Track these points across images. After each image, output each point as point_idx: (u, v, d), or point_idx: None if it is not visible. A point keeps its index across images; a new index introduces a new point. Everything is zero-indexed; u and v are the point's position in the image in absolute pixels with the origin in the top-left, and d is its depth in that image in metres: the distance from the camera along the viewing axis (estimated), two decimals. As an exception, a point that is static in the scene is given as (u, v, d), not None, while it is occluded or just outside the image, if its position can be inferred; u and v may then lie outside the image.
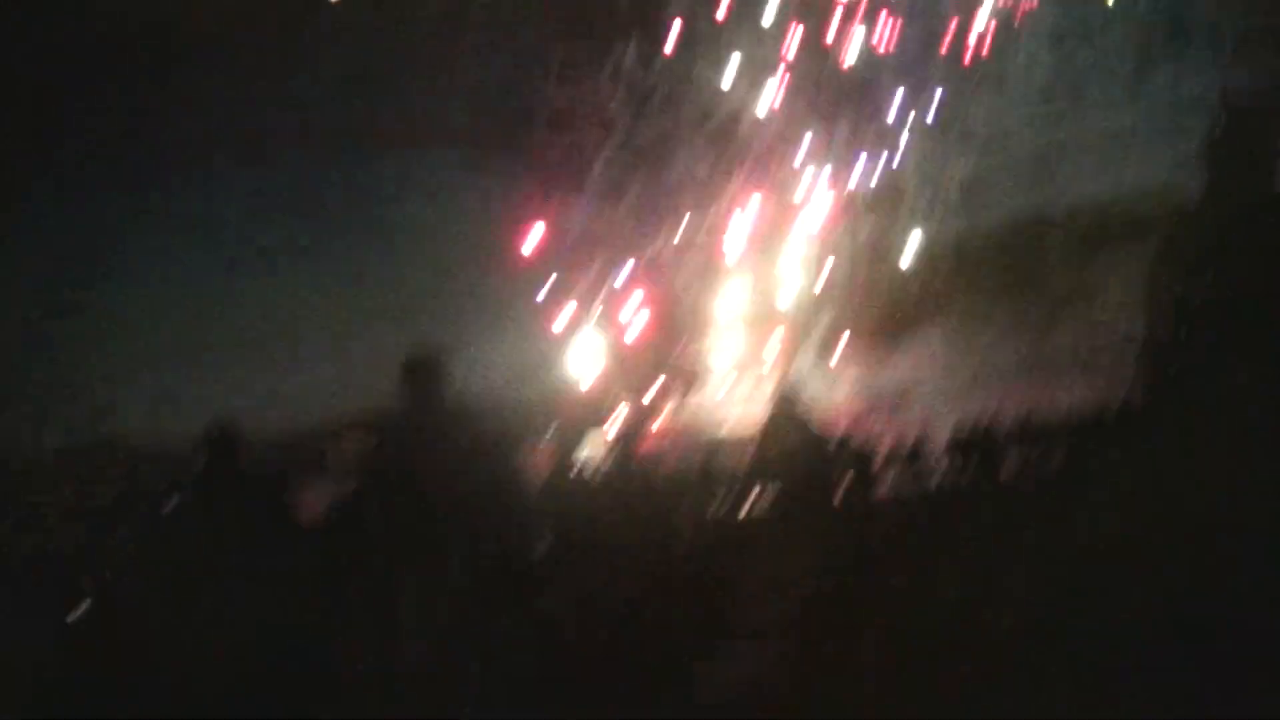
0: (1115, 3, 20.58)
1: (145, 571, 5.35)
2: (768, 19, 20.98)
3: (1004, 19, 21.82)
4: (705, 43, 21.57)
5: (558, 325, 24.51)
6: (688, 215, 22.25)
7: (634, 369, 24.05)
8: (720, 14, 21.68)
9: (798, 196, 21.93)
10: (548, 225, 22.94)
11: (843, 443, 6.69)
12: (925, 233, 22.23)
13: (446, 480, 4.44)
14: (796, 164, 21.82)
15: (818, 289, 22.37)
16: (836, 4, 21.58)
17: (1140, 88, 21.27)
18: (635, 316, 23.70)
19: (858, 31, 21.49)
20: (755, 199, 21.59)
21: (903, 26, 21.91)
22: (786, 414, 6.22)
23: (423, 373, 4.69)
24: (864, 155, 21.92)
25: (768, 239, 22.79)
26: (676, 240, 22.57)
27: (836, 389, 22.40)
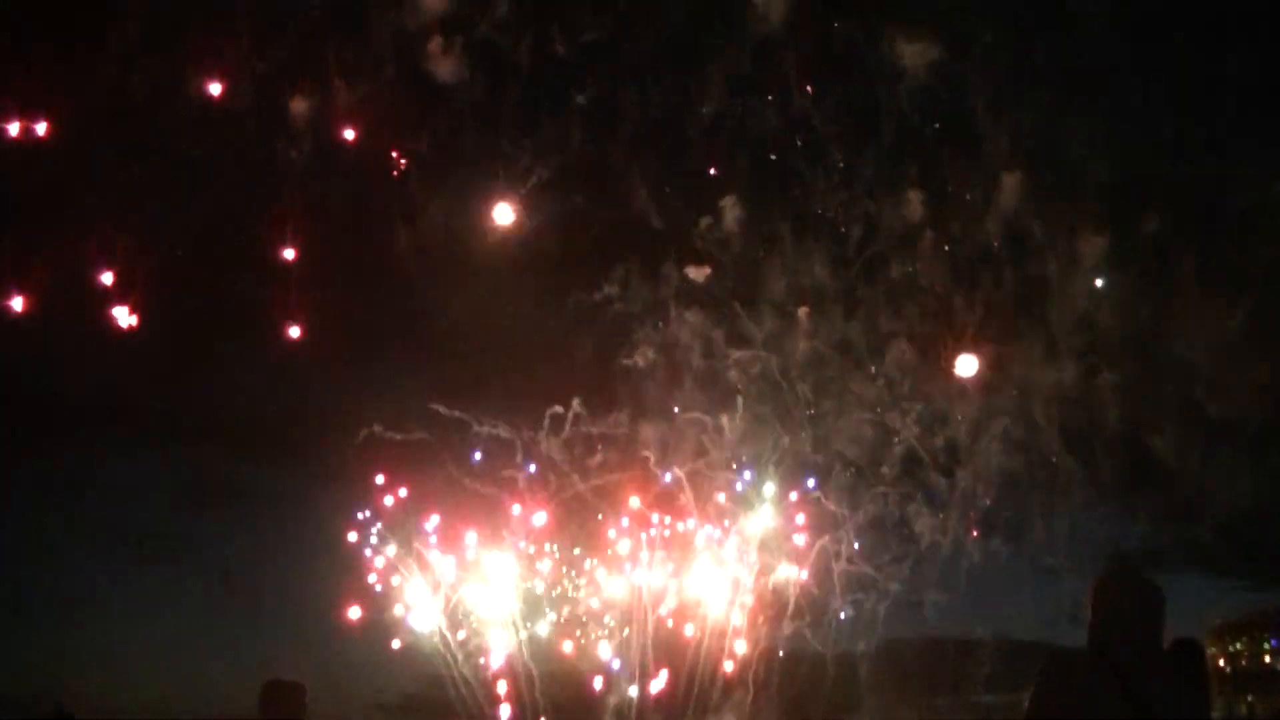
0: (1062, 459, 21.91)
1: None
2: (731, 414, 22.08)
3: (957, 448, 23.03)
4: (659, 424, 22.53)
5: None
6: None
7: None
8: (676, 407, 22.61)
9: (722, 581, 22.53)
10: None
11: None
12: (857, 630, 23.00)
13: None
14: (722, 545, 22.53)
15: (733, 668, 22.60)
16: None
17: (1071, 533, 22.42)
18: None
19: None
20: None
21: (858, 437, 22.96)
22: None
23: (280, 699, 4.78)
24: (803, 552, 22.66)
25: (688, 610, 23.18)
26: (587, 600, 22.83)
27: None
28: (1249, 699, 33.64)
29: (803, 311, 21.41)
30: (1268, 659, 35.83)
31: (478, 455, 21.40)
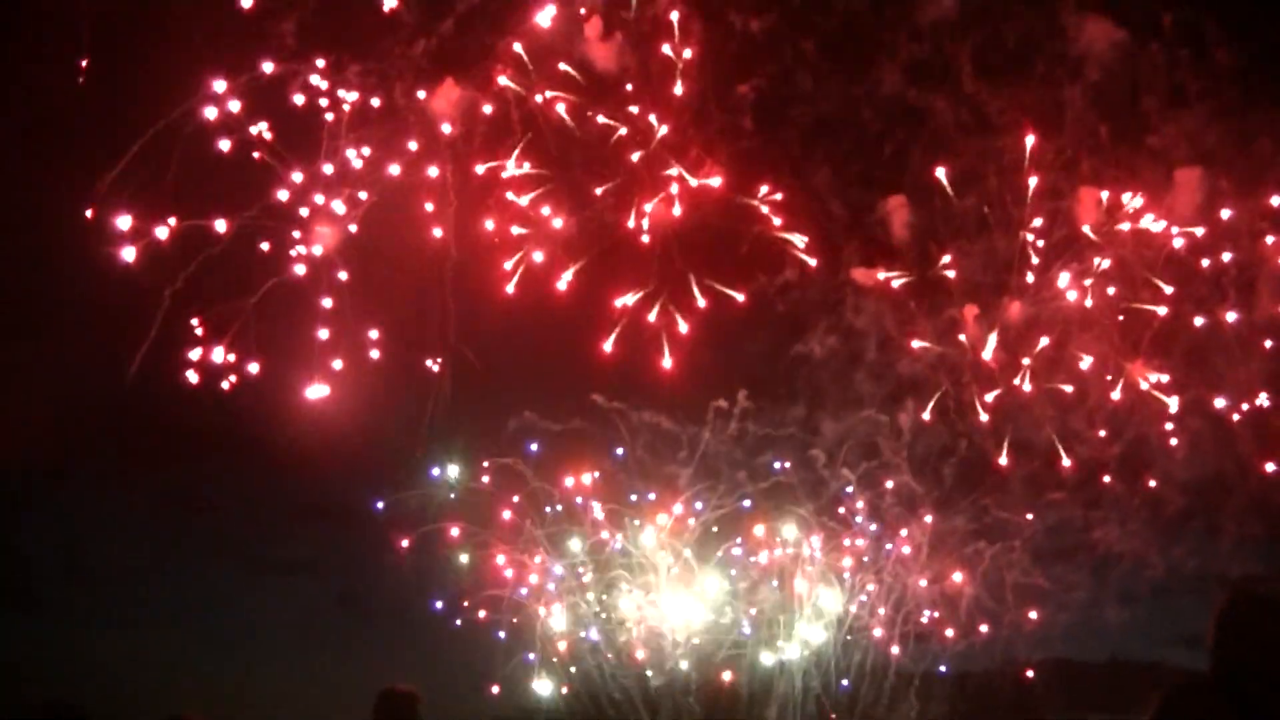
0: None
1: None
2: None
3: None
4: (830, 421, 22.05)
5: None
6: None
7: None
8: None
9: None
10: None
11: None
12: (1027, 645, 21.82)
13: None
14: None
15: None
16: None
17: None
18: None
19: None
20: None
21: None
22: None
23: (393, 706, 4.86)
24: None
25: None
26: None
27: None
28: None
29: (970, 312, 20.78)
30: None
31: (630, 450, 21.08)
